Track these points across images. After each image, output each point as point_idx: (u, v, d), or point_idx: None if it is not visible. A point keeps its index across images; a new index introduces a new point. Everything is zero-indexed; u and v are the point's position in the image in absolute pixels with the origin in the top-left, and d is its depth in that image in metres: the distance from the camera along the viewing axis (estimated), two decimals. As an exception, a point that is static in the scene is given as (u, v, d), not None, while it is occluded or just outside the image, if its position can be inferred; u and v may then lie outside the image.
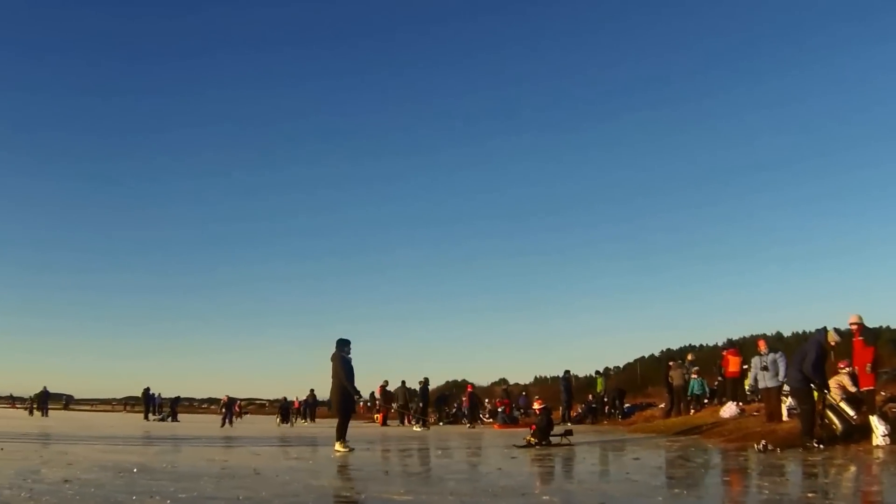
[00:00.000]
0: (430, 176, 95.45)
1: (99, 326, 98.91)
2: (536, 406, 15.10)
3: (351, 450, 12.00)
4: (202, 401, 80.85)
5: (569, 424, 21.09)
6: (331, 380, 12.59)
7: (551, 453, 12.46)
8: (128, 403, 67.35)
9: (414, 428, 25.39)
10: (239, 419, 35.53)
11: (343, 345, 12.64)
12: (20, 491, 6.12)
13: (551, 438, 13.98)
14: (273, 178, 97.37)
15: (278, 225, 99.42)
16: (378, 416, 31.65)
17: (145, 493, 6.33)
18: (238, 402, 38.04)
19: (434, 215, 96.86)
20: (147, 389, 37.51)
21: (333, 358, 12.54)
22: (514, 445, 13.79)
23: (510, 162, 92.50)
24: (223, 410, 29.76)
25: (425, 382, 28.74)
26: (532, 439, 13.81)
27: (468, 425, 27.68)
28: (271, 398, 63.91)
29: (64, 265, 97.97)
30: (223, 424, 27.54)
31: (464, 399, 30.61)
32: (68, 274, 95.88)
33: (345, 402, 12.55)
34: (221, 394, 33.90)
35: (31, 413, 38.04)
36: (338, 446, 12.09)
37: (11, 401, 57.88)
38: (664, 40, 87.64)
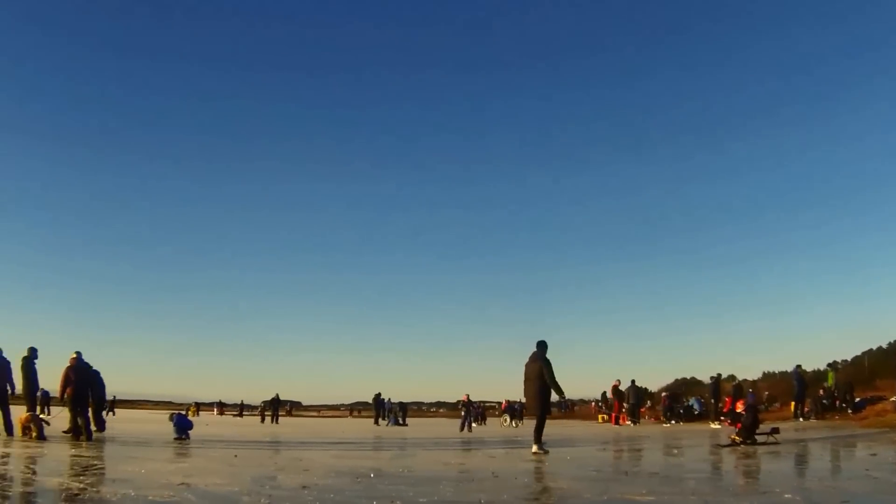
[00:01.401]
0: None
1: (325, 332, 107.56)
2: (740, 406, 15.79)
3: (546, 452, 12.45)
4: (430, 404, 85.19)
5: (801, 419, 22.09)
6: (525, 382, 13.10)
7: (782, 451, 12.77)
8: (354, 409, 72.40)
9: (712, 425, 25.79)
10: (482, 423, 36.55)
11: (545, 347, 13.15)
12: (259, 497, 6.35)
13: (757, 437, 14.27)
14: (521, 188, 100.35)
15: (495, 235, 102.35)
16: (611, 416, 32.44)
17: (385, 497, 6.43)
18: (478, 403, 39.01)
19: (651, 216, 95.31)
20: (378, 395, 40.61)
21: (535, 359, 13.00)
22: (719, 445, 14.44)
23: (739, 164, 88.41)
24: (462, 412, 29.99)
25: (717, 378, 28.86)
26: (737, 438, 14.31)
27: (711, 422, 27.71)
28: (496, 399, 65.51)
29: (296, 270, 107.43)
30: (462, 428, 27.58)
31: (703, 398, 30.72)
32: (292, 281, 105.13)
33: (546, 404, 13.22)
34: (449, 398, 34.98)
35: (262, 420, 41.73)
36: (534, 448, 12.61)
37: (220, 406, 63.89)
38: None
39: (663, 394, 31.35)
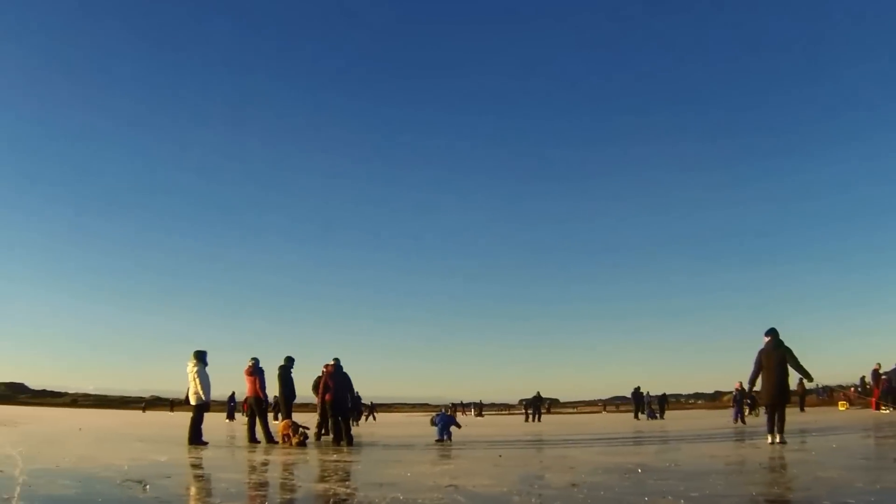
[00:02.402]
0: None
1: (580, 329, 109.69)
2: None
3: (784, 443, 12.53)
4: (688, 396, 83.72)
5: None
6: (765, 371, 13.12)
7: None
8: (611, 403, 72.29)
9: None
10: (755, 415, 35.50)
11: (778, 333, 13.17)
12: (529, 497, 6.63)
13: None
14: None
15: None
16: (870, 401, 31.73)
17: (656, 493, 6.56)
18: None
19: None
20: (637, 388, 40.87)
21: (776, 346, 13.05)
22: None
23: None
24: (734, 405, 29.25)
25: None
26: None
27: None
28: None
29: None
30: (736, 419, 27.34)
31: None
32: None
33: (785, 394, 13.20)
34: (708, 388, 34.54)
35: (526, 419, 42.61)
36: (778, 438, 12.70)
37: (457, 407, 65.48)
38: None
39: (883, 377, 29.30)
